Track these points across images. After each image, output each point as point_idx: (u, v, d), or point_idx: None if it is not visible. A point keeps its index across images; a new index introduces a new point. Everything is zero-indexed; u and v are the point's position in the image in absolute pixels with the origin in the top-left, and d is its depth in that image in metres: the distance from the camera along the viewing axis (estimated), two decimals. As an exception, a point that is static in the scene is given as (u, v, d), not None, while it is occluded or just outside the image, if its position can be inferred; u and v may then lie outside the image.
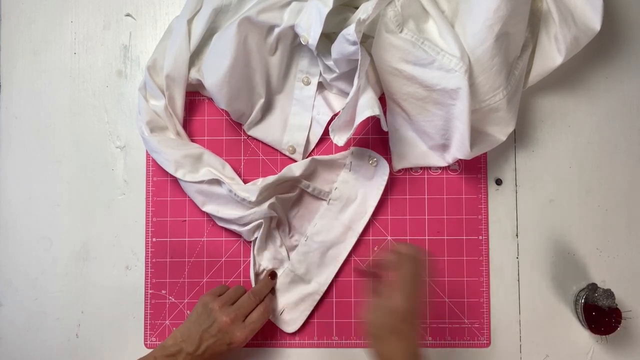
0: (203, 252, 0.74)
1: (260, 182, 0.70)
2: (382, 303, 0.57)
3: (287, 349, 0.74)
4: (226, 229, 0.73)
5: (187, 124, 0.75)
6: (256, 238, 0.71)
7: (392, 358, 0.56)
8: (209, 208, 0.71)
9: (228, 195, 0.69)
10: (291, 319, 0.73)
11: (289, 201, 0.72)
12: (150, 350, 0.68)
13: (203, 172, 0.70)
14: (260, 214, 0.69)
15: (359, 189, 0.73)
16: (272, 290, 0.72)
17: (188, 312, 0.74)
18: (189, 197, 0.73)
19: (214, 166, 0.71)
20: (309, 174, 0.72)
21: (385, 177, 0.72)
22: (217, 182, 0.70)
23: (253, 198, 0.68)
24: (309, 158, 0.71)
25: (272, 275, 0.72)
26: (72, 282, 0.75)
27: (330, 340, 0.73)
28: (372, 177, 0.72)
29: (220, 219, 0.71)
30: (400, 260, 0.59)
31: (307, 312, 0.73)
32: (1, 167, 0.76)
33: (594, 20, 0.66)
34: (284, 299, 0.73)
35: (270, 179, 0.69)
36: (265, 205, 0.69)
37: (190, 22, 0.70)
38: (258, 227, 0.70)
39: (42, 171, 0.75)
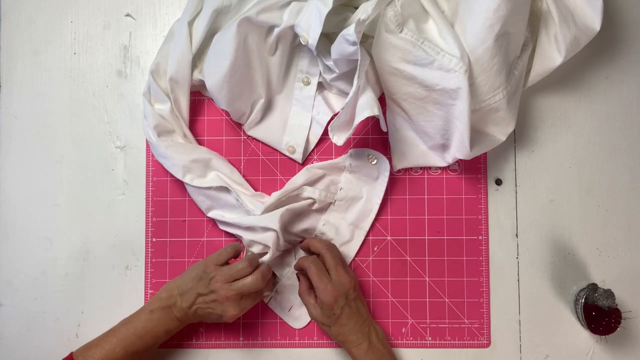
0: (203, 252, 0.74)
1: (267, 200, 0.70)
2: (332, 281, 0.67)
3: (287, 349, 0.74)
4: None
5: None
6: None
7: (346, 324, 0.67)
8: (214, 213, 0.71)
9: (235, 204, 0.70)
10: (299, 315, 0.73)
11: (296, 212, 0.71)
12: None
13: (211, 176, 0.70)
14: (268, 223, 0.68)
15: (363, 188, 0.73)
16: (273, 275, 0.73)
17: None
18: (192, 199, 0.73)
19: (222, 171, 0.71)
20: (312, 181, 0.72)
21: (387, 174, 0.72)
22: (225, 189, 0.70)
23: (258, 212, 0.68)
24: (304, 169, 0.72)
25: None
26: (72, 282, 0.75)
27: (331, 340, 0.73)
28: (377, 177, 0.72)
29: (224, 223, 0.71)
30: (319, 249, 0.69)
31: None
32: (1, 167, 0.76)
33: (594, 20, 0.66)
34: (293, 296, 0.73)
35: (276, 195, 0.70)
36: (276, 215, 0.68)
37: (191, 24, 0.70)
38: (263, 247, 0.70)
39: (42, 171, 0.75)
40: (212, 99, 0.73)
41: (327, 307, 0.66)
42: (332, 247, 0.69)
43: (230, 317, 0.66)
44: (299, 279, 0.71)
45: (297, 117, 0.74)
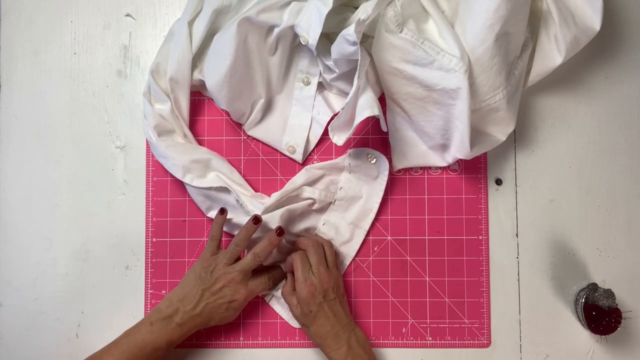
0: (203, 252, 0.74)
1: (267, 201, 0.70)
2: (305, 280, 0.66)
3: (287, 349, 0.74)
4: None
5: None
6: None
7: (324, 326, 0.66)
8: (214, 214, 0.71)
9: (235, 204, 0.70)
10: None
11: (296, 212, 0.71)
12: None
13: (211, 176, 0.70)
14: (268, 223, 0.68)
15: (363, 187, 0.73)
16: (279, 269, 0.72)
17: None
18: (191, 199, 0.73)
19: (222, 171, 0.71)
20: (312, 181, 0.72)
21: (386, 173, 0.72)
22: (225, 190, 0.70)
23: (259, 213, 0.68)
24: (304, 169, 0.71)
25: (279, 232, 0.67)
26: (72, 282, 0.75)
27: (330, 340, 0.73)
28: (376, 176, 0.72)
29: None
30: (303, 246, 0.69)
31: None
32: (1, 167, 0.76)
33: (594, 20, 0.66)
34: None
35: (276, 196, 0.70)
36: (276, 215, 0.68)
37: (191, 24, 0.70)
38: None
39: (42, 171, 0.75)
40: (212, 99, 0.73)
41: (304, 303, 0.66)
42: (317, 245, 0.69)
43: (241, 299, 0.67)
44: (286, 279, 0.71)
45: (297, 117, 0.74)
